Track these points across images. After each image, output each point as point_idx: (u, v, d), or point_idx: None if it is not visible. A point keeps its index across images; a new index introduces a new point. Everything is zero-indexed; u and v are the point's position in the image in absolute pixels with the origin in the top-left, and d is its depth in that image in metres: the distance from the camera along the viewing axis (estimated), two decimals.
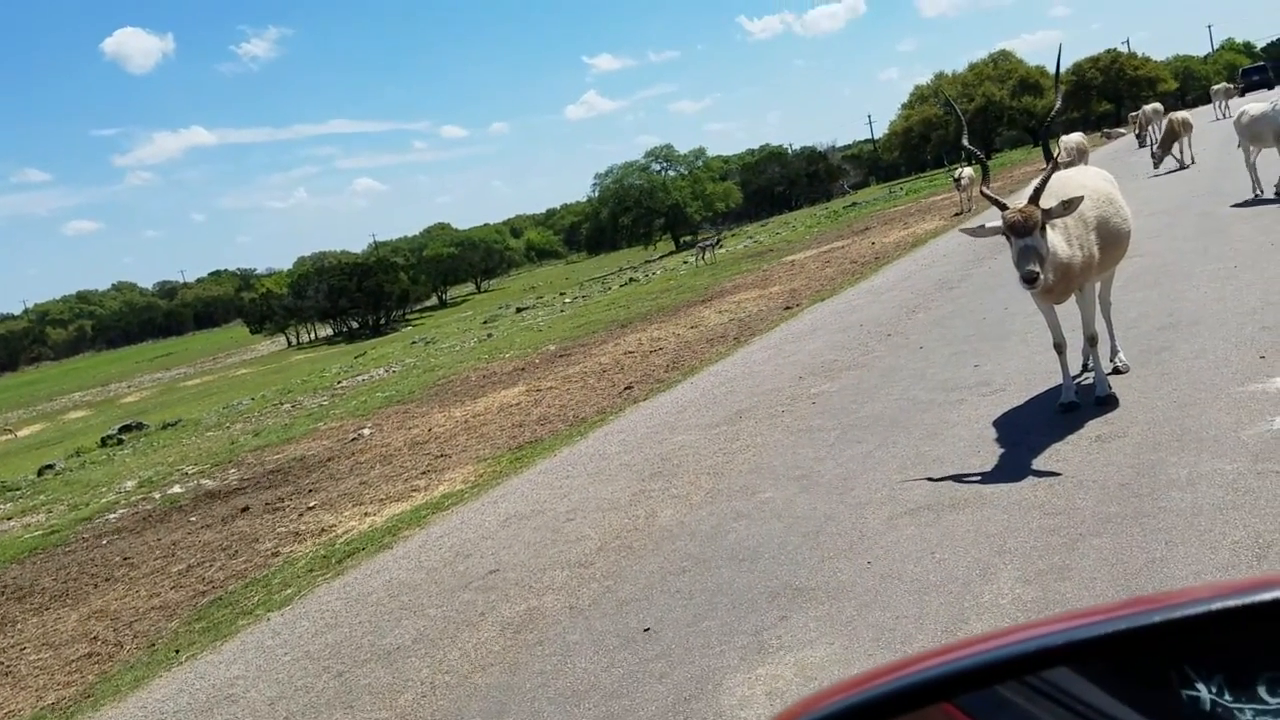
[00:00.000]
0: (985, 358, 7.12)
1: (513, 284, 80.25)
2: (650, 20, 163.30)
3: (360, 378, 20.00)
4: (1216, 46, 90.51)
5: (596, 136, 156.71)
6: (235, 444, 13.32)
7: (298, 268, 75.43)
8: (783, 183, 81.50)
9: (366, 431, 11.15)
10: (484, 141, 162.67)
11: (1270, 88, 46.31)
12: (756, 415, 7.17)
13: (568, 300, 30.74)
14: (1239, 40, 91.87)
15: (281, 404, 18.22)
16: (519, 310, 32.62)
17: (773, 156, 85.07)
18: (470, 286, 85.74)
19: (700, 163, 72.81)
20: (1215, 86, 35.47)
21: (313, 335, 65.11)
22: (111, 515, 9.81)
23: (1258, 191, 11.28)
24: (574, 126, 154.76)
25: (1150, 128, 18.24)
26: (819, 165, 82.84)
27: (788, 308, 12.85)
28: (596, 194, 69.83)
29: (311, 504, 8.14)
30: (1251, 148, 11.60)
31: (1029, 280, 4.72)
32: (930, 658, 0.82)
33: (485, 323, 30.21)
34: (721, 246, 35.30)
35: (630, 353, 12.36)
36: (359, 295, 58.19)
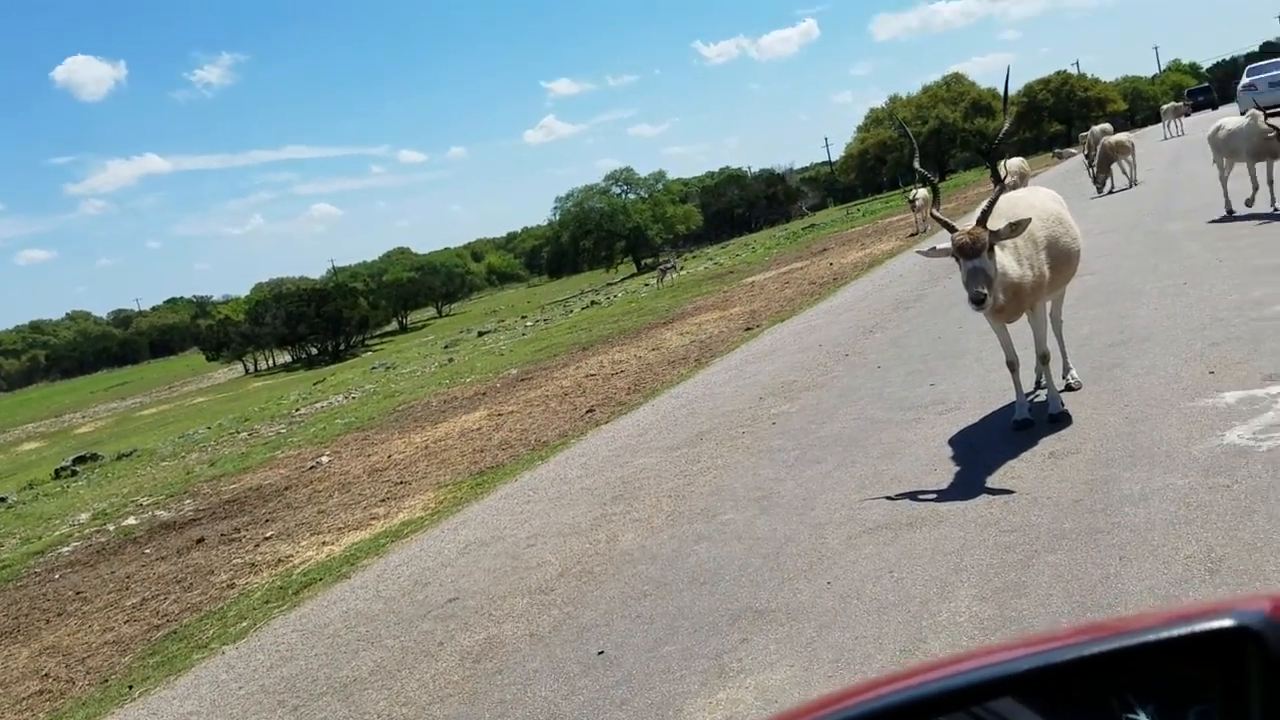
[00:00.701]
0: (941, 376, 7.19)
1: (474, 308, 79.93)
2: (607, 45, 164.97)
3: (319, 404, 19.76)
4: (1163, 68, 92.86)
5: (556, 160, 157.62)
6: (191, 474, 13.09)
7: (255, 294, 74.66)
8: (742, 205, 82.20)
9: (325, 459, 11.01)
10: (443, 166, 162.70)
11: (1214, 108, 47.38)
12: (717, 437, 7.18)
13: (529, 323, 30.68)
14: (1185, 62, 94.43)
15: (238, 432, 17.94)
16: (480, 334, 32.48)
17: (732, 179, 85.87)
18: (431, 311, 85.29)
19: (660, 186, 73.25)
20: (1165, 106, 36.11)
21: (271, 362, 64.32)
22: (64, 549, 9.59)
23: (1232, 209, 11.06)
24: (533, 150, 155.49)
25: (1099, 148, 18.64)
26: (777, 187, 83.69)
27: (748, 329, 12.91)
28: (557, 217, 69.95)
29: (268, 534, 8.01)
30: (1225, 163, 11.44)
31: (976, 302, 4.79)
32: (870, 690, 0.81)
33: (446, 347, 30.03)
34: (682, 269, 35.45)
35: (592, 375, 12.35)
36: (318, 321, 57.58)
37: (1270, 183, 10.61)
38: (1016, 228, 4.87)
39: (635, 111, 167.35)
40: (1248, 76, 29.87)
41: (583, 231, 67.09)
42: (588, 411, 9.82)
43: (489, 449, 9.25)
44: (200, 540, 8.41)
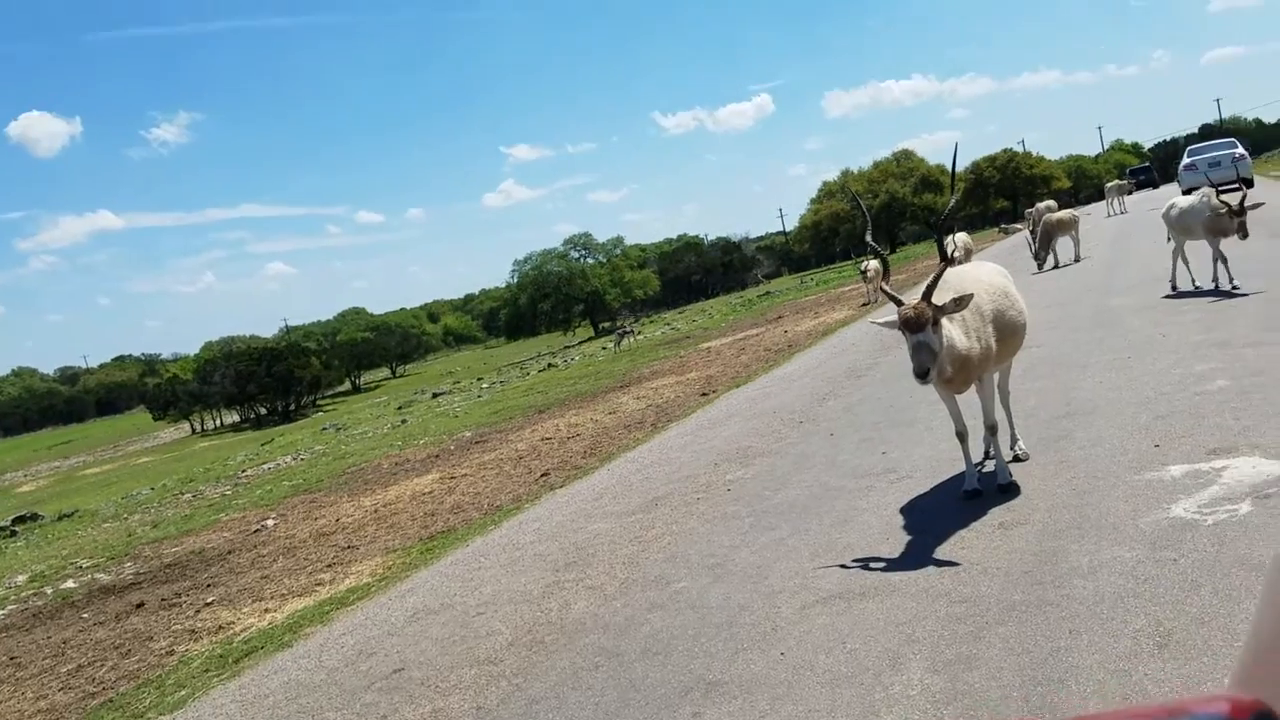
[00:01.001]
0: (893, 445, 7.26)
1: (430, 369, 79.44)
2: (567, 114, 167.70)
3: (266, 466, 19.39)
4: (1106, 147, 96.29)
5: (515, 224, 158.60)
6: (133, 536, 12.72)
7: (205, 352, 73.64)
8: (699, 271, 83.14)
9: (270, 523, 10.77)
10: (401, 227, 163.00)
11: (1155, 187, 49.20)
12: (672, 502, 7.15)
13: (485, 385, 30.52)
14: (1128, 141, 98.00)
15: (182, 494, 17.51)
16: (435, 395, 32.23)
17: (689, 246, 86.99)
18: (385, 372, 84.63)
19: (619, 251, 74.03)
20: (1109, 184, 37.17)
21: (218, 422, 63.20)
22: (0, 611, 9.22)
23: (1195, 284, 11.21)
24: (493, 213, 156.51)
25: (1040, 225, 19.19)
26: (734, 255, 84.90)
27: (704, 394, 12.96)
28: (516, 280, 70.26)
29: (209, 600, 7.78)
30: (1180, 240, 11.57)
31: (920, 375, 4.87)
32: None
33: (400, 408, 29.73)
34: (640, 333, 35.62)
35: (548, 439, 12.27)
36: (268, 380, 56.82)
37: (1219, 260, 10.77)
38: (960, 303, 4.99)
39: (594, 178, 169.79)
40: (1188, 157, 31.36)
41: (541, 294, 67.38)
42: (543, 475, 9.74)
43: (440, 513, 9.11)
44: (140, 605, 8.14)
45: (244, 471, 19.41)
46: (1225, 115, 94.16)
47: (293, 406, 58.45)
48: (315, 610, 6.64)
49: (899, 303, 5.11)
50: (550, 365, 32.74)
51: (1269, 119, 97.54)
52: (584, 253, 71.93)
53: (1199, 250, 11.32)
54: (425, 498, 10.16)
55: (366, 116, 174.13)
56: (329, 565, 8.03)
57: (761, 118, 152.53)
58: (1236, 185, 32.09)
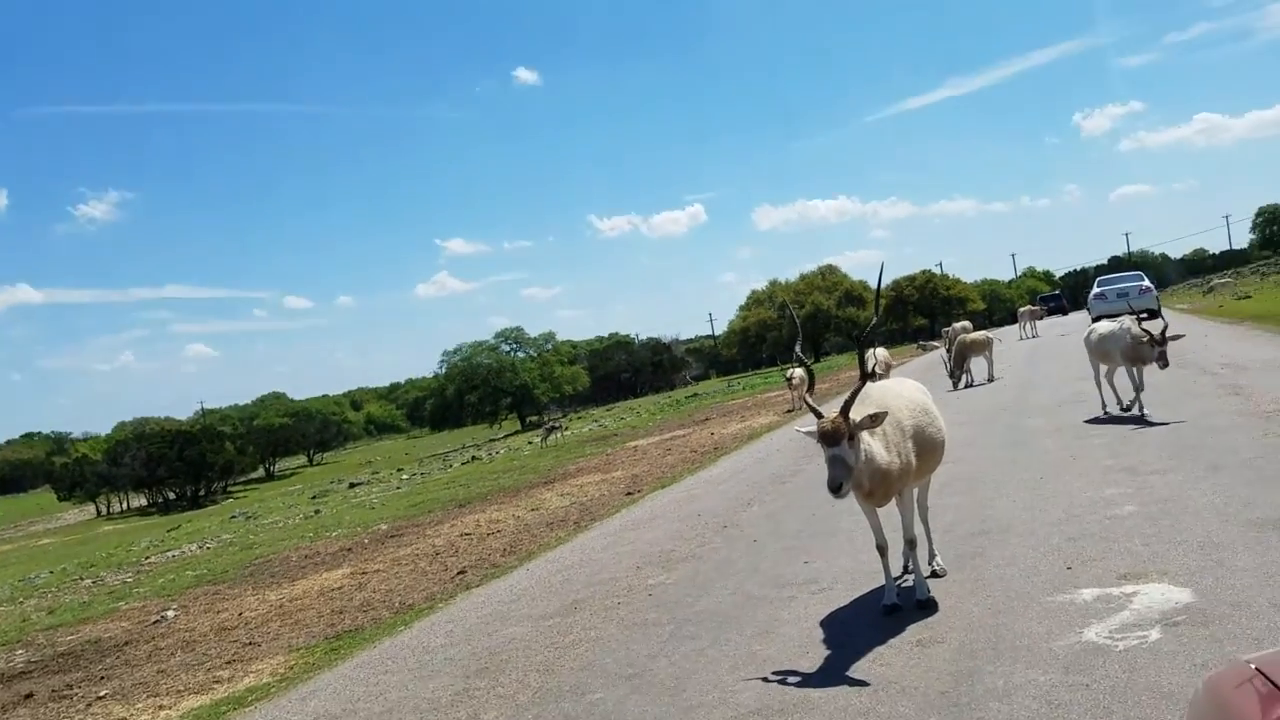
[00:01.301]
0: (815, 554, 7.28)
1: (349, 458, 77.67)
2: (505, 211, 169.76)
3: (171, 553, 18.57)
4: (1020, 273, 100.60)
5: (447, 315, 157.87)
6: (27, 621, 12.01)
7: (117, 433, 71.03)
8: (629, 370, 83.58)
9: (171, 613, 10.27)
10: (329, 313, 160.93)
11: (1065, 314, 51.68)
12: (592, 606, 7.02)
13: (405, 477, 29.91)
14: (1040, 269, 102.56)
15: (82, 579, 16.63)
16: (352, 486, 31.46)
17: (620, 345, 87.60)
18: (302, 459, 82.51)
19: (550, 346, 74.18)
20: (1022, 309, 38.70)
21: (125, 505, 60.57)
22: None
23: (1107, 409, 11.47)
24: (424, 304, 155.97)
25: (955, 344, 19.87)
26: (663, 356, 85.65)
27: (629, 494, 12.88)
28: (444, 370, 69.68)
29: (102, 693, 7.34)
30: (1102, 366, 11.79)
31: (833, 489, 4.94)
32: None
33: (314, 498, 28.92)
34: (567, 429, 35.46)
35: (467, 535, 12.02)
36: (179, 464, 54.94)
37: (1137, 389, 10.96)
38: (875, 419, 5.11)
39: (529, 274, 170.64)
40: (1097, 287, 33.28)
41: (469, 386, 66.87)
42: (459, 573, 9.50)
43: (349, 611, 8.80)
44: (29, 695, 7.66)
45: (147, 558, 18.57)
46: (1133, 249, 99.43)
47: (203, 492, 56.49)
48: (211, 710, 6.30)
49: (819, 415, 5.20)
50: (474, 458, 32.29)
51: (1174, 254, 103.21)
52: (515, 346, 71.87)
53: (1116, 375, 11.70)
54: (334, 594, 9.81)
55: (300, 203, 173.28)
56: (229, 662, 7.66)
57: (695, 226, 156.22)
58: (1144, 315, 34.19)
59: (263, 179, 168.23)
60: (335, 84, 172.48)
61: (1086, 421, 11.21)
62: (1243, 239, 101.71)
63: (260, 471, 74.28)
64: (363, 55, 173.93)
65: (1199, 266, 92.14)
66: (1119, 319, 11.32)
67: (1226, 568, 5.08)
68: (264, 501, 36.44)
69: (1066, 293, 65.26)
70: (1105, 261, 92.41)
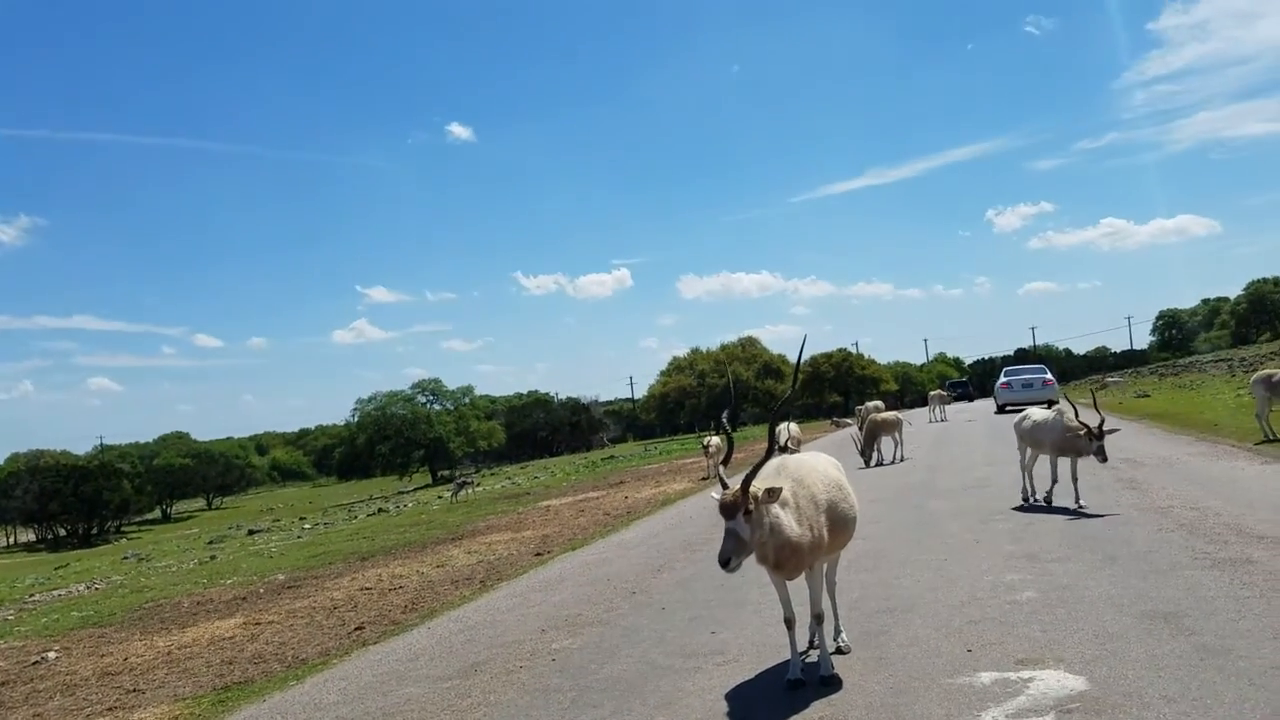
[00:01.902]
0: (722, 625, 7.26)
1: (250, 503, 75.22)
2: (429, 262, 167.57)
3: (57, 592, 17.63)
4: (931, 357, 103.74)
5: (364, 363, 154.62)
6: None
7: (9, 465, 67.52)
8: (546, 428, 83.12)
9: (52, 655, 9.71)
10: (240, 354, 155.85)
11: (970, 400, 53.87)
12: (493, 669, 6.86)
13: (308, 526, 29.04)
14: (950, 355, 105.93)
15: None
16: (251, 532, 30.41)
17: (539, 403, 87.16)
18: (201, 502, 79.60)
19: (467, 400, 73.46)
20: (933, 392, 39.99)
21: (12, 540, 57.44)
22: None
23: (1034, 497, 11.29)
24: (341, 350, 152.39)
25: (866, 423, 20.36)
26: (582, 416, 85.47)
27: (539, 554, 12.70)
28: (356, 418, 68.34)
29: None
30: (1030, 452, 11.51)
31: (721, 563, 4.98)
32: None
33: (211, 543, 27.86)
34: (479, 485, 34.94)
35: (367, 589, 11.68)
36: (73, 500, 52.49)
37: (1074, 479, 10.66)
38: (771, 494, 5.16)
39: (450, 327, 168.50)
40: (1005, 377, 36.58)
41: (381, 436, 65.65)
42: (357, 629, 9.21)
43: (239, 662, 8.44)
44: None
45: (31, 596, 17.60)
46: (1039, 342, 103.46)
47: (95, 531, 53.98)
48: None
49: (725, 486, 5.25)
50: (381, 510, 31.55)
51: (1078, 350, 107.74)
52: (432, 398, 70.97)
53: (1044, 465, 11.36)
54: (225, 643, 9.41)
55: (219, 241, 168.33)
56: (110, 709, 7.26)
57: (620, 289, 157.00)
58: (1044, 405, 36.88)
59: (182, 214, 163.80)
60: (263, 124, 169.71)
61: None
62: (1143, 340, 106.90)
63: (157, 512, 71.46)
64: (293, 98, 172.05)
65: (1101, 364, 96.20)
66: (1054, 410, 11.02)
67: (1120, 658, 5.22)
68: (158, 544, 34.96)
69: (974, 380, 67.72)
70: (1012, 353, 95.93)
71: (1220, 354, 62.93)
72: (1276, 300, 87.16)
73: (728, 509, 5.04)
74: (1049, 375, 35.22)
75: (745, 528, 5.02)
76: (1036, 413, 11.47)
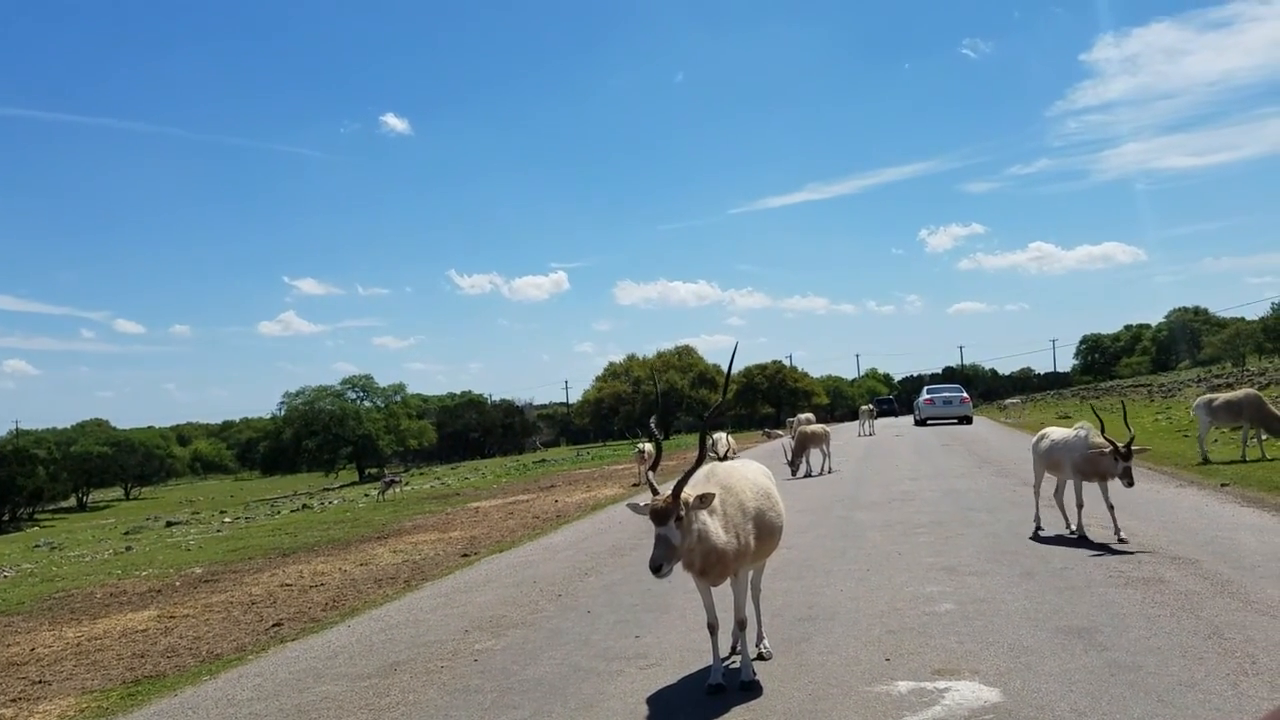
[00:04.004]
0: (647, 629, 7.27)
1: (169, 495, 73.26)
2: (361, 256, 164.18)
3: None
4: (862, 372, 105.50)
5: (291, 356, 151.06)
6: None
7: None
8: (479, 430, 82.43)
9: None
10: (163, 341, 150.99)
11: (895, 416, 56.03)
12: (413, 669, 6.77)
13: (228, 520, 28.36)
14: (881, 371, 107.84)
15: None
16: (169, 524, 29.60)
17: (471, 403, 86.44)
18: (119, 491, 77.25)
19: (399, 398, 72.48)
20: (863, 407, 40.82)
21: None
22: None
23: (1042, 529, 10.01)
24: (267, 342, 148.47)
25: (796, 434, 20.68)
26: (515, 418, 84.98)
27: (465, 555, 12.58)
28: (283, 412, 66.96)
29: None
30: (1048, 476, 10.20)
31: (654, 569, 4.99)
32: None
33: (127, 533, 27.06)
34: (407, 484, 34.50)
35: (287, 585, 11.45)
36: None
37: (1109, 507, 9.27)
38: (703, 500, 5.20)
39: (382, 323, 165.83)
40: (926, 394, 41.05)
41: (308, 431, 64.41)
42: (275, 625, 9.02)
43: (152, 655, 8.20)
44: None
45: None
46: (967, 361, 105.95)
47: (7, 517, 52.00)
48: None
49: (655, 492, 5.26)
50: (305, 506, 30.96)
51: (1004, 370, 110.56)
52: (362, 395, 69.90)
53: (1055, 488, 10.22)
54: (137, 636, 9.14)
55: (143, 224, 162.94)
56: (14, 700, 7.00)
57: (557, 293, 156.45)
58: (956, 421, 39.38)
59: (106, 196, 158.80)
60: (191, 107, 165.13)
61: (918, 520, 11.70)
62: (1067, 363, 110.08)
63: (72, 501, 69.15)
64: (223, 81, 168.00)
65: (1026, 384, 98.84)
66: (1077, 426, 9.73)
67: (1034, 671, 5.35)
68: (72, 533, 33.81)
69: (903, 397, 69.30)
70: (940, 370, 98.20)
71: (1141, 379, 65.07)
72: (1197, 329, 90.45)
73: (661, 514, 5.04)
74: (965, 394, 39.60)
75: (677, 533, 5.04)
76: (1056, 432, 10.16)
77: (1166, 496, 12.22)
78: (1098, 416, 9.39)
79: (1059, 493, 10.12)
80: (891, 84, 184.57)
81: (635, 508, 5.47)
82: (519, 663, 6.65)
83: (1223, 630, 5.82)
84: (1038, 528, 10.00)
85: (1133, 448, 8.90)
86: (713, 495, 5.26)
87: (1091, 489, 9.51)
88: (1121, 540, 8.89)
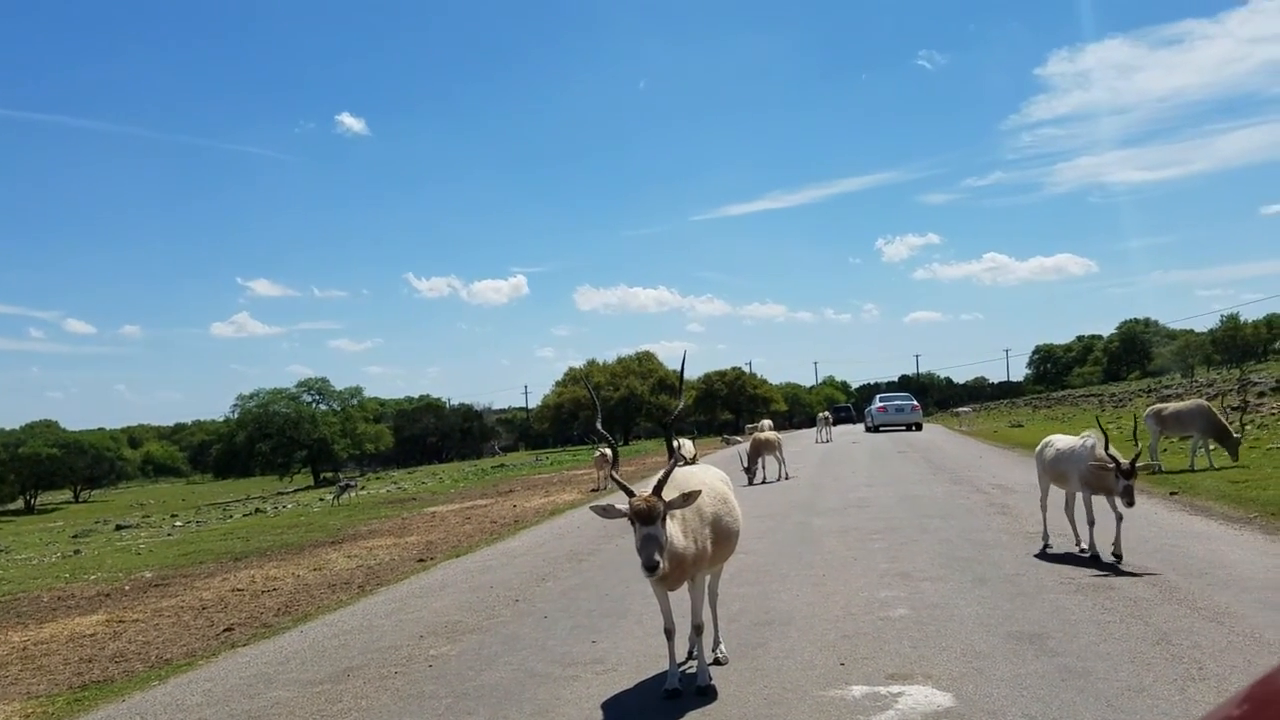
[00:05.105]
0: (603, 634, 7.25)
1: (120, 498, 71.82)
2: (316, 257, 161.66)
3: None
4: (820, 380, 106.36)
5: (245, 358, 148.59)
6: None
7: None
8: (436, 434, 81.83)
9: None
10: (113, 342, 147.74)
11: (852, 423, 56.86)
12: (367, 674, 6.69)
13: (179, 524, 27.88)
14: (839, 378, 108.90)
15: None
16: (119, 528, 29.01)
17: (429, 407, 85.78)
18: (68, 494, 75.57)
19: (356, 401, 71.58)
20: (821, 414, 41.20)
21: None
22: None
23: (1050, 544, 9.45)
24: (220, 344, 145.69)
25: (751, 441, 20.85)
26: (474, 423, 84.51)
27: (421, 560, 12.48)
28: (237, 415, 65.83)
29: None
30: (1053, 488, 9.60)
31: (650, 568, 4.97)
32: None
33: (76, 537, 26.51)
34: (363, 488, 34.15)
35: (239, 590, 11.27)
36: None
37: (1091, 523, 8.76)
38: (688, 498, 5.21)
39: (339, 325, 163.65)
40: (879, 401, 43.33)
41: (262, 434, 63.41)
42: (226, 630, 8.87)
43: (100, 660, 8.04)
44: None
45: None
46: (923, 369, 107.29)
47: None
48: None
49: (630, 493, 5.24)
50: (258, 510, 30.52)
51: (958, 379, 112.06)
52: (318, 398, 68.94)
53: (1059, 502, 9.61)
54: (85, 640, 8.96)
55: (94, 223, 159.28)
56: None
57: (516, 297, 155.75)
58: (907, 427, 40.69)
59: (56, 194, 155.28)
60: (143, 106, 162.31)
61: (874, 526, 11.81)
62: (1020, 372, 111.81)
63: (20, 503, 67.52)
64: (175, 80, 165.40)
65: (980, 393, 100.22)
66: (1083, 435, 9.04)
67: (986, 676, 5.41)
68: (20, 535, 33.00)
69: (860, 404, 70.31)
70: (896, 378, 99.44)
71: (1092, 389, 66.25)
72: (1147, 340, 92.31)
73: (646, 514, 5.03)
74: (915, 402, 41.86)
75: (663, 532, 5.04)
76: (1061, 440, 9.53)
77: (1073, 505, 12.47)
78: (1103, 429, 8.73)
79: (1068, 506, 9.43)
80: (849, 94, 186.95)
81: (606, 510, 5.44)
82: (474, 668, 6.61)
83: (1170, 636, 5.93)
84: (1045, 545, 9.41)
85: (1136, 465, 8.29)
86: (697, 493, 5.27)
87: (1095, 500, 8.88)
88: (1117, 557, 8.39)
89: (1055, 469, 9.31)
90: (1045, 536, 9.57)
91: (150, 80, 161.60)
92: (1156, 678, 5.15)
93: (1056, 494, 9.64)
